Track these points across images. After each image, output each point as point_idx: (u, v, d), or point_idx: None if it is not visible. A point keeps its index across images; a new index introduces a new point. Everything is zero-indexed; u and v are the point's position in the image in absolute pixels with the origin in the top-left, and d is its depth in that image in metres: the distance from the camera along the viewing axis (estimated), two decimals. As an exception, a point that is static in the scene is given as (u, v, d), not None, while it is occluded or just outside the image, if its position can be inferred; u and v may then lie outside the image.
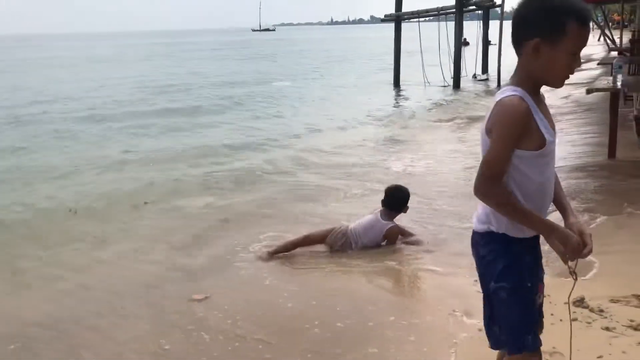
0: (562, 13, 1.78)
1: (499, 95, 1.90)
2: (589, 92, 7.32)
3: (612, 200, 5.27)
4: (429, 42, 19.47)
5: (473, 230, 2.08)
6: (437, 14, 20.72)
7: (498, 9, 21.10)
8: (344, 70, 28.18)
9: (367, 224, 4.75)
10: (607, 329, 3.04)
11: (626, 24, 32.69)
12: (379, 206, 4.87)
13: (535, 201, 1.95)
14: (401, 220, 4.92)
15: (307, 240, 4.76)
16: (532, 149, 1.88)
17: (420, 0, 30.45)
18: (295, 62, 35.89)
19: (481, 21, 21.82)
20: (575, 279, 2.00)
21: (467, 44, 18.99)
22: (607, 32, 19.97)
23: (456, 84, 18.67)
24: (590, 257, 4.10)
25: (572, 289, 2.09)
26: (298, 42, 75.04)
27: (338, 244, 4.68)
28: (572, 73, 1.90)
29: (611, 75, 10.00)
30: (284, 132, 11.36)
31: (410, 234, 4.87)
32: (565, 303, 3.35)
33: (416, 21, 21.17)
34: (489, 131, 1.89)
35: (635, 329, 3.02)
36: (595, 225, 4.67)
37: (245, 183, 7.30)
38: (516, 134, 1.85)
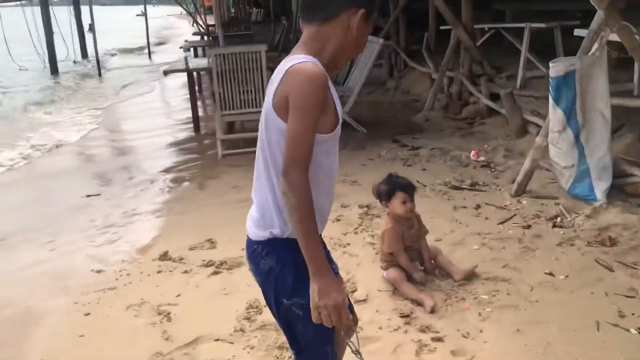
0: None
1: (288, 63, 1.54)
2: (165, 73, 7.31)
3: (195, 168, 6.04)
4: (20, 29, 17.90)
5: (249, 238, 1.72)
6: (18, -2, 19.08)
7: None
8: None
9: None
10: (185, 272, 3.66)
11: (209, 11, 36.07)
12: None
13: (327, 191, 1.67)
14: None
15: None
16: (324, 131, 1.55)
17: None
18: None
19: (72, 6, 21.09)
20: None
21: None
22: (198, 18, 21.79)
23: (54, 70, 17.68)
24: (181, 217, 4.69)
25: None
26: None
27: None
28: None
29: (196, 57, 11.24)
30: None
31: None
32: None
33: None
34: (278, 107, 1.52)
35: (207, 265, 3.71)
36: (181, 189, 5.42)
37: None
38: (320, 105, 1.50)
